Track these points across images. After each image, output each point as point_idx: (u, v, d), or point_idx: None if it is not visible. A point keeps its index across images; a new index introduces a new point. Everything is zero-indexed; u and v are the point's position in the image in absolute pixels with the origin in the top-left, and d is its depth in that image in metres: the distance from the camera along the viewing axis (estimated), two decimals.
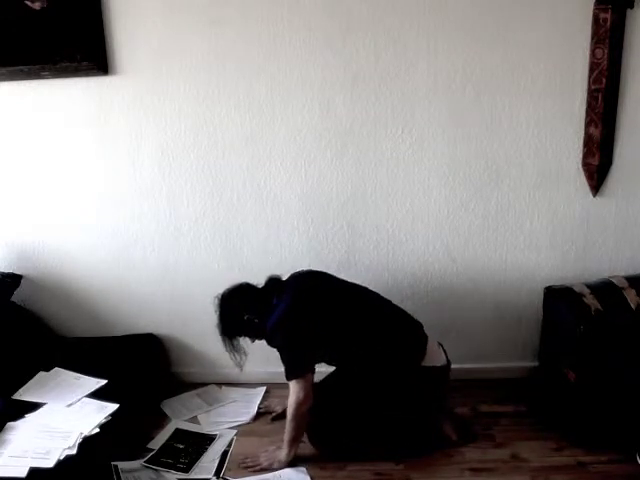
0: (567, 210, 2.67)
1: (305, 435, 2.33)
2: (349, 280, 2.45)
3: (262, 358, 2.57)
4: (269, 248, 2.76)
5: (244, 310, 2.33)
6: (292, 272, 2.45)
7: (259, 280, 2.41)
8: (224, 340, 2.35)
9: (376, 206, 2.70)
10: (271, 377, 2.74)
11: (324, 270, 2.48)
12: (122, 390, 2.43)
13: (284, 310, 2.27)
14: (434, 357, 2.36)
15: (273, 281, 2.38)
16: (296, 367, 2.24)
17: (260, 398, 2.76)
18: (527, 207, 2.67)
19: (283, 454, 2.29)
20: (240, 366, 2.40)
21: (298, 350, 2.26)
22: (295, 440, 2.29)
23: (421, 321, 2.42)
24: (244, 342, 2.39)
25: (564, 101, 2.55)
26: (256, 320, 2.31)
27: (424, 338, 2.37)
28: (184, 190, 2.73)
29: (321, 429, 2.35)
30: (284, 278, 2.42)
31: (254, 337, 2.38)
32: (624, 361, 2.30)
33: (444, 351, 2.41)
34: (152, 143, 2.68)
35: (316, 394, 2.28)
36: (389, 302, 2.42)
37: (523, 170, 2.63)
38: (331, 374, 2.42)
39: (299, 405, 2.22)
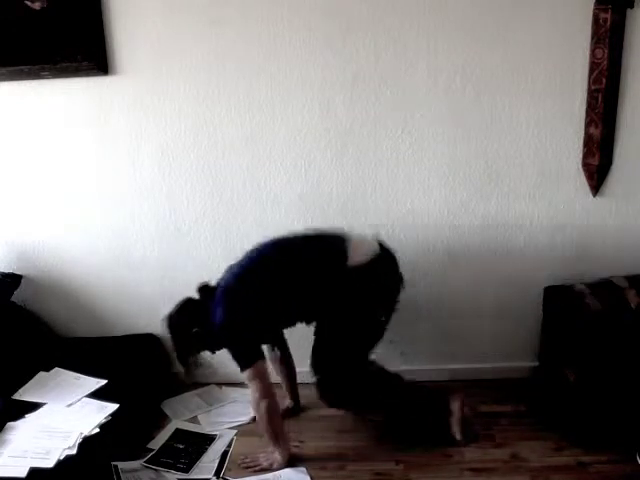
0: (567, 210, 2.67)
1: (306, 433, 2.32)
2: None
3: (269, 357, 2.57)
4: None
5: (191, 325, 2.31)
6: None
7: None
8: (181, 361, 2.35)
9: (376, 206, 2.70)
10: (271, 377, 2.74)
11: None
12: (122, 390, 2.44)
13: (220, 313, 2.25)
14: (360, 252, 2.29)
15: (204, 289, 2.36)
16: (244, 358, 2.24)
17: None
18: (527, 207, 2.67)
19: (278, 454, 2.29)
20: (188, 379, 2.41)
21: (241, 343, 2.26)
22: (277, 437, 2.28)
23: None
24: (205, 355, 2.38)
25: (564, 101, 2.55)
26: (204, 331, 2.29)
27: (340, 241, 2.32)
28: (184, 190, 2.73)
29: (330, 389, 2.33)
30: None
31: (211, 348, 2.36)
32: (624, 361, 2.30)
33: (380, 243, 2.36)
34: (152, 143, 2.68)
35: (314, 357, 2.29)
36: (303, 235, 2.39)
37: (523, 170, 2.63)
38: (315, 333, 2.38)
39: (258, 404, 2.23)
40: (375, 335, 2.35)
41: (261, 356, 2.27)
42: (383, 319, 2.34)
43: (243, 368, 2.23)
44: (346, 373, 2.30)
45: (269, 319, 2.31)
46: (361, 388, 2.34)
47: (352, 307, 2.26)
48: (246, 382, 2.27)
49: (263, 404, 2.22)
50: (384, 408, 2.45)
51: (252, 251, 2.37)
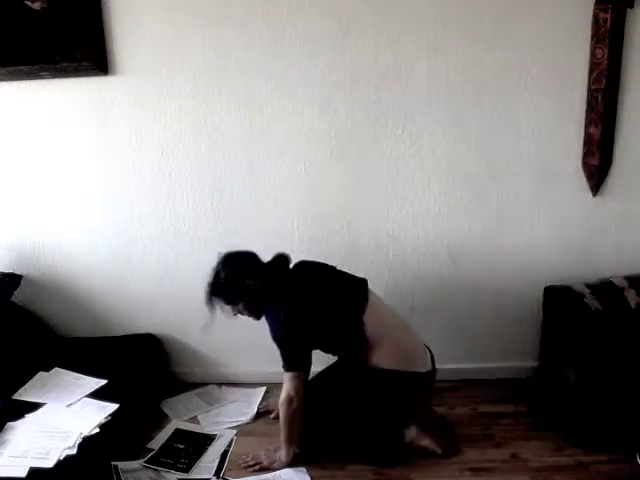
0: (567, 210, 2.67)
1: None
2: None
3: (262, 358, 2.58)
4: (269, 248, 2.75)
5: (248, 274, 2.26)
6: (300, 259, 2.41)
7: None
8: (208, 300, 2.26)
9: (376, 206, 2.70)
10: (271, 377, 2.74)
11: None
12: (122, 390, 2.44)
13: (292, 303, 2.24)
14: (419, 362, 2.30)
15: (282, 259, 2.33)
16: (295, 363, 2.24)
17: (260, 398, 2.76)
18: (527, 207, 2.67)
19: (283, 454, 2.29)
20: (206, 330, 2.32)
21: (299, 347, 2.25)
22: (291, 439, 2.29)
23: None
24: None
25: (564, 101, 2.55)
26: (257, 289, 2.25)
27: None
28: (184, 190, 2.73)
29: (315, 429, 2.35)
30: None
31: (245, 309, 2.31)
32: (624, 361, 2.30)
33: (431, 357, 2.37)
34: (152, 143, 2.68)
35: (308, 394, 2.28)
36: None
37: (523, 170, 2.63)
38: (318, 374, 2.40)
39: (290, 403, 2.23)
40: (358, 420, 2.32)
41: (307, 368, 2.25)
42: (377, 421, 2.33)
43: (289, 369, 2.23)
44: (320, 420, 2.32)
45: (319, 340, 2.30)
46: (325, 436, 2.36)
47: (372, 394, 2.26)
48: (284, 377, 2.25)
49: (295, 403, 2.23)
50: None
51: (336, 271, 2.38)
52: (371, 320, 2.25)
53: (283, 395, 2.25)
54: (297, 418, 2.27)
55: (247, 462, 2.32)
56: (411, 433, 2.35)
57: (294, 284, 2.30)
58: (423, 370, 2.30)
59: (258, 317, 2.34)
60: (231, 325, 2.38)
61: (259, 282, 2.26)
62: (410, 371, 2.26)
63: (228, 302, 2.29)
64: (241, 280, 2.27)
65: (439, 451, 2.33)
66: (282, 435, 2.29)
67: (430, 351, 2.38)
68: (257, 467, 2.29)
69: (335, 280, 2.36)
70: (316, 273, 2.37)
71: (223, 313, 2.30)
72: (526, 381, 2.74)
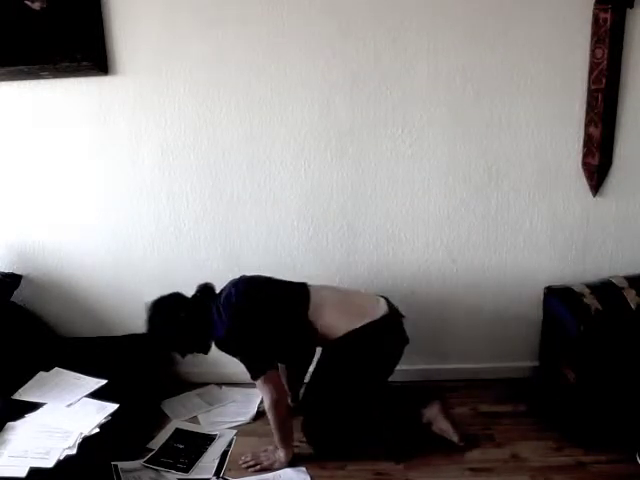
0: (567, 210, 2.67)
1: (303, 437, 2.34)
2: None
3: None
4: (269, 248, 2.76)
5: (179, 308, 2.32)
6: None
7: None
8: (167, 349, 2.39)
9: (376, 206, 2.70)
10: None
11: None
12: (122, 390, 2.44)
13: (232, 316, 2.26)
14: (369, 313, 2.30)
15: (206, 288, 2.37)
16: (257, 366, 2.24)
17: (260, 398, 2.75)
18: (527, 207, 2.67)
19: (282, 454, 2.29)
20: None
21: (254, 350, 2.26)
22: (285, 440, 2.29)
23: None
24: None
25: (564, 101, 2.55)
26: (192, 317, 2.30)
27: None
28: (184, 190, 2.73)
29: (317, 430, 2.36)
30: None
31: (190, 340, 2.36)
32: (624, 361, 2.30)
33: (387, 301, 2.35)
34: (152, 143, 2.68)
35: (304, 397, 2.32)
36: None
37: (523, 170, 2.63)
38: (312, 374, 2.42)
39: (274, 405, 2.23)
40: (369, 385, 2.34)
41: (272, 365, 2.27)
42: (380, 374, 2.35)
43: (254, 377, 2.24)
44: (331, 417, 2.32)
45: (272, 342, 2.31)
46: (340, 434, 2.36)
47: (345, 367, 2.29)
48: (257, 385, 2.27)
49: (280, 406, 2.24)
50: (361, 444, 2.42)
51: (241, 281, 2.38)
52: (314, 312, 2.27)
53: (266, 402, 2.24)
54: (286, 419, 2.27)
55: (247, 462, 2.32)
56: (431, 413, 2.36)
57: (235, 289, 2.32)
58: (378, 317, 2.29)
59: (206, 350, 2.40)
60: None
61: (192, 309, 2.31)
62: (363, 324, 2.25)
63: (167, 340, 2.37)
64: (174, 316, 2.32)
65: (456, 438, 2.33)
66: (276, 438, 2.29)
67: (385, 297, 2.37)
68: (257, 467, 2.29)
69: (274, 287, 2.38)
70: (251, 284, 2.38)
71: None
72: (526, 381, 2.74)
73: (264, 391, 2.24)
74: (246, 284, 2.36)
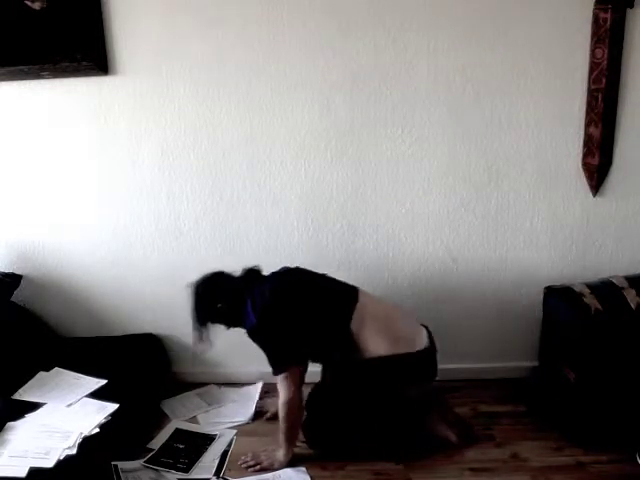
0: (567, 210, 2.67)
1: (303, 437, 2.34)
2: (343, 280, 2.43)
3: (262, 358, 2.57)
4: (269, 248, 2.76)
5: (217, 298, 2.31)
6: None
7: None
8: (195, 327, 2.33)
9: (376, 206, 2.70)
10: (270, 377, 2.74)
11: (325, 270, 2.48)
12: (122, 390, 2.43)
13: (266, 306, 2.25)
14: (409, 343, 2.27)
15: (252, 272, 2.36)
16: (280, 361, 2.23)
17: (258, 397, 2.75)
18: (527, 207, 2.67)
19: (282, 454, 2.29)
20: (200, 352, 2.42)
21: (281, 344, 2.25)
22: (290, 440, 2.29)
23: (421, 320, 2.41)
24: (214, 331, 2.36)
25: (564, 101, 2.56)
26: (229, 308, 2.30)
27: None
28: (184, 190, 2.73)
29: (318, 431, 2.35)
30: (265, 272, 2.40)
31: (227, 325, 2.36)
32: (624, 361, 2.30)
33: (429, 333, 2.34)
34: (152, 143, 2.68)
35: (310, 397, 2.28)
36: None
37: (523, 170, 2.64)
38: (322, 376, 2.40)
39: (288, 403, 2.22)
40: (375, 413, 2.32)
41: (297, 362, 2.25)
42: (393, 412, 2.33)
43: (275, 372, 2.23)
44: (333, 422, 2.31)
45: (304, 339, 2.29)
46: (341, 438, 2.35)
47: (382, 385, 2.26)
48: (277, 380, 2.25)
49: (294, 405, 2.23)
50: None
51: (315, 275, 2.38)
52: (358, 322, 2.24)
53: (281, 398, 2.24)
54: (298, 419, 2.27)
55: (247, 462, 2.31)
56: (431, 420, 2.38)
57: (272, 283, 2.32)
58: (418, 349, 2.27)
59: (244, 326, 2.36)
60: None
61: (229, 301, 2.30)
62: (405, 352, 2.23)
63: (206, 323, 2.34)
64: (212, 306, 2.31)
65: (454, 439, 2.35)
66: (281, 436, 2.29)
67: (427, 328, 2.35)
68: (257, 467, 2.29)
69: (321, 286, 2.36)
70: (297, 277, 2.38)
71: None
72: (526, 381, 2.74)
73: (282, 387, 2.23)
74: (285, 282, 2.35)
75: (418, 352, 2.27)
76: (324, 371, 2.39)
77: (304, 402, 2.30)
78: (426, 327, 2.37)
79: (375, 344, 2.23)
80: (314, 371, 2.35)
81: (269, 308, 2.26)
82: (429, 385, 2.40)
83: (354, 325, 2.24)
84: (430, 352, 2.32)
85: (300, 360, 2.27)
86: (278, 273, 2.39)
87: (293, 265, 2.45)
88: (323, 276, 2.40)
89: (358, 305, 2.28)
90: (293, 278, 2.38)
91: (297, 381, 2.24)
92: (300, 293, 2.32)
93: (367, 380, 2.24)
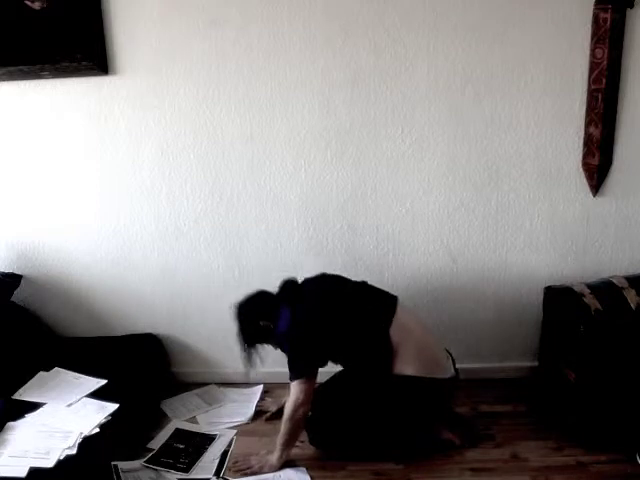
0: (567, 210, 2.67)
1: (305, 435, 2.34)
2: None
3: (262, 358, 2.57)
4: (269, 248, 2.76)
5: (259, 317, 2.32)
6: (300, 274, 2.44)
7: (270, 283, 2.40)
8: (243, 349, 2.35)
9: (376, 206, 2.70)
10: (271, 377, 2.75)
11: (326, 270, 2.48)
12: (122, 390, 2.43)
13: (295, 316, 2.27)
14: (441, 368, 2.31)
15: (288, 284, 2.37)
16: (301, 369, 2.24)
17: (258, 398, 2.75)
18: (527, 207, 2.67)
19: (274, 458, 2.28)
20: (248, 373, 2.43)
21: (305, 353, 2.26)
22: (288, 444, 2.28)
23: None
24: (262, 352, 2.38)
25: (564, 101, 2.55)
26: (272, 326, 2.30)
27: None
28: (184, 190, 2.73)
29: (321, 430, 2.35)
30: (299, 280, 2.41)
31: (274, 344, 2.37)
32: (624, 361, 2.30)
33: (453, 362, 2.37)
34: (152, 143, 2.68)
35: (317, 396, 2.28)
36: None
37: (523, 170, 2.63)
38: (333, 376, 2.41)
39: (297, 407, 2.22)
40: (381, 418, 2.31)
41: (316, 374, 2.26)
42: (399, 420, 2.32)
43: (295, 377, 2.23)
44: (338, 422, 2.31)
45: (329, 348, 2.31)
46: (345, 438, 2.34)
47: (394, 397, 2.26)
48: (291, 384, 2.25)
49: (302, 410, 2.22)
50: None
51: (346, 281, 2.40)
52: (397, 332, 2.26)
53: (291, 401, 2.23)
54: (299, 425, 2.26)
55: (239, 467, 2.30)
56: (433, 423, 2.39)
57: (311, 292, 2.34)
58: (447, 376, 2.31)
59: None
60: (231, 325, 2.37)
61: (270, 318, 2.30)
62: (433, 377, 2.26)
63: (253, 344, 2.35)
64: (255, 325, 2.32)
65: (458, 442, 2.36)
66: (280, 438, 2.28)
67: (451, 356, 2.39)
68: (248, 471, 2.27)
69: (360, 292, 2.38)
70: (336, 285, 2.40)
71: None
72: (526, 381, 2.74)
73: (295, 391, 2.22)
74: (325, 291, 2.37)
75: (447, 379, 2.30)
76: (343, 373, 2.39)
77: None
78: (450, 354, 2.40)
79: (409, 360, 2.24)
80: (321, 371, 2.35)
81: (308, 315, 2.28)
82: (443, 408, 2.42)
83: (393, 332, 2.25)
84: (455, 381, 2.36)
85: (317, 374, 2.27)
86: (316, 282, 2.40)
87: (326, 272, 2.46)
88: (363, 283, 2.42)
89: (397, 314, 2.30)
90: (333, 287, 2.39)
91: (310, 389, 2.24)
92: (340, 301, 2.33)
93: (393, 395, 2.25)
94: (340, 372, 2.41)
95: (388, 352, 2.25)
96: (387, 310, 2.31)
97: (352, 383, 2.34)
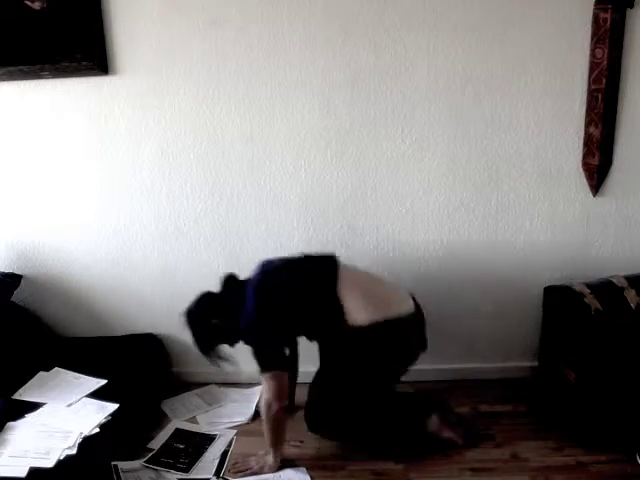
0: (567, 210, 2.67)
1: (305, 435, 2.34)
2: None
3: None
4: (269, 248, 2.76)
5: (210, 316, 2.29)
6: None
7: None
8: (205, 355, 2.32)
9: (376, 206, 2.70)
10: None
11: None
12: (122, 390, 2.44)
13: (256, 305, 2.23)
14: (394, 307, 2.24)
15: (230, 280, 2.34)
16: (269, 361, 2.22)
17: (258, 397, 2.75)
18: (527, 207, 2.67)
19: (271, 458, 2.28)
20: (228, 370, 2.41)
21: (272, 344, 2.24)
22: (276, 443, 2.27)
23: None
24: (227, 349, 2.35)
25: (564, 101, 2.55)
26: (224, 323, 2.28)
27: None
28: (184, 190, 2.73)
29: (318, 414, 2.33)
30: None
31: (231, 342, 2.33)
32: (624, 361, 2.30)
33: (414, 299, 2.32)
34: (152, 143, 2.68)
35: (313, 383, 2.28)
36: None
37: (523, 170, 2.63)
38: (321, 365, 2.37)
39: (270, 404, 2.20)
40: (379, 382, 2.31)
41: (284, 365, 2.25)
42: (392, 374, 2.32)
43: (263, 370, 2.21)
44: (334, 405, 2.29)
45: (293, 323, 2.29)
46: (346, 423, 2.32)
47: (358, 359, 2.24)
48: (262, 381, 2.25)
49: (274, 406, 2.21)
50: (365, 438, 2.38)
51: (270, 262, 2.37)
52: (344, 288, 2.23)
53: (265, 398, 2.22)
54: (279, 421, 2.24)
55: (238, 468, 2.30)
56: (433, 423, 2.36)
57: (254, 282, 2.30)
58: (403, 313, 2.25)
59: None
60: None
61: (221, 316, 2.28)
62: (388, 318, 2.21)
63: (212, 347, 2.32)
64: (208, 326, 2.29)
65: (460, 442, 2.35)
66: (267, 440, 2.27)
67: (414, 297, 2.34)
68: (248, 472, 2.27)
69: (301, 264, 2.35)
70: (277, 265, 2.36)
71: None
72: (526, 381, 2.74)
73: (266, 389, 2.21)
74: (267, 274, 2.32)
75: (405, 317, 2.25)
76: (321, 352, 2.36)
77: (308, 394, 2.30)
78: (412, 294, 2.36)
79: (361, 310, 2.19)
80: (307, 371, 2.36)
81: (263, 295, 2.24)
82: (419, 352, 2.34)
83: (340, 290, 2.22)
84: (417, 315, 2.30)
85: (286, 364, 2.26)
86: (259, 270, 2.35)
87: None
88: (300, 256, 2.38)
89: (340, 271, 2.28)
90: (271, 268, 2.35)
91: (283, 382, 2.22)
92: (284, 280, 2.29)
93: (356, 350, 2.22)
94: (323, 358, 2.36)
95: (341, 310, 2.20)
96: (330, 272, 2.27)
97: (331, 355, 2.31)
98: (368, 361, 2.24)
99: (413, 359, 2.33)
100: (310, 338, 2.36)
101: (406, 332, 2.28)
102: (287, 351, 2.35)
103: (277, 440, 2.27)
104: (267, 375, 2.21)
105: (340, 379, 2.28)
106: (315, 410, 2.33)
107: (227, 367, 2.35)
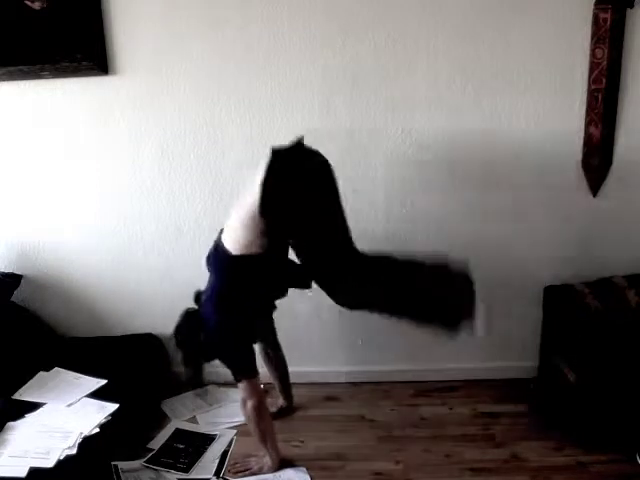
0: (567, 210, 2.67)
1: (305, 434, 2.34)
2: None
3: (261, 358, 2.57)
4: None
5: (196, 334, 2.25)
6: None
7: None
8: (194, 367, 2.33)
9: (376, 206, 2.70)
10: (270, 377, 2.74)
11: None
12: (122, 390, 2.44)
13: (209, 315, 2.22)
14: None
15: (197, 294, 2.34)
16: (244, 367, 2.22)
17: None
18: (527, 207, 2.67)
19: (268, 458, 2.28)
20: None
21: (236, 351, 2.23)
22: (266, 439, 2.26)
23: None
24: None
25: (564, 101, 2.56)
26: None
27: None
28: (184, 190, 2.73)
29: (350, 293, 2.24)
30: None
31: (207, 358, 2.32)
32: (624, 361, 2.30)
33: None
34: (152, 143, 2.68)
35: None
36: None
37: (523, 170, 2.63)
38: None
39: (246, 402, 2.21)
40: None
41: (255, 372, 2.24)
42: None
43: (236, 379, 2.22)
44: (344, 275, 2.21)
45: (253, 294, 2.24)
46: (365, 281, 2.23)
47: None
48: (241, 390, 2.25)
49: (249, 403, 2.21)
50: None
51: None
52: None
53: (249, 405, 2.21)
54: (260, 415, 2.23)
55: (237, 468, 2.30)
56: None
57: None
58: None
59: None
60: None
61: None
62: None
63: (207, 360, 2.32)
64: (196, 345, 2.27)
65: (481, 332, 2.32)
66: (259, 441, 2.27)
67: None
68: (247, 473, 2.28)
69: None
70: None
71: None
72: (526, 381, 2.74)
73: (247, 394, 2.21)
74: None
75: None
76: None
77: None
78: None
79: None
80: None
81: (217, 307, 2.23)
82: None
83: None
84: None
85: (255, 369, 2.25)
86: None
87: None
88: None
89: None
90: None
91: (254, 385, 2.23)
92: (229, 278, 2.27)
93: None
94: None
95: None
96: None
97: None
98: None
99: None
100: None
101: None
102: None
103: (268, 439, 2.26)
104: (243, 383, 2.21)
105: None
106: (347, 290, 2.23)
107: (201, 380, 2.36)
